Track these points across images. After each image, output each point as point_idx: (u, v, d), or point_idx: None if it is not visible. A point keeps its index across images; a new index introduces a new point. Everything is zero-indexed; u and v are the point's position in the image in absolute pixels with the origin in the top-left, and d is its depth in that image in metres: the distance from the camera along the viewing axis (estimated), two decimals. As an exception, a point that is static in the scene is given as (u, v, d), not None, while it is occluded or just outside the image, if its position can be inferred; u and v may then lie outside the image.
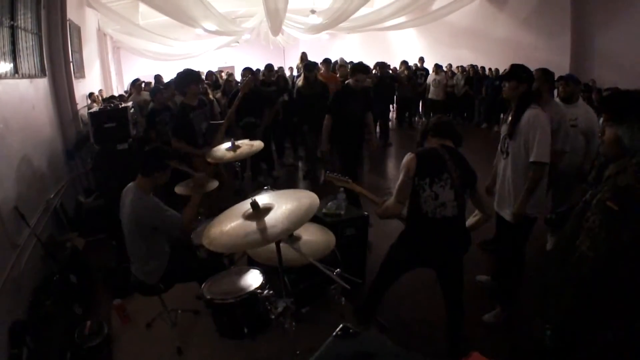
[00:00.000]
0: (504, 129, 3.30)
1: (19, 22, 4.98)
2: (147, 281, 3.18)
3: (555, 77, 4.11)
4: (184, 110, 4.63)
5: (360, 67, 5.29)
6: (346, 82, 6.02)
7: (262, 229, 2.13)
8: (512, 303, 3.45)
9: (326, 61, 8.49)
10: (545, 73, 3.83)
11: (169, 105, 6.34)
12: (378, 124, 10.31)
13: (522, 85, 3.09)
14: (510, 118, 3.19)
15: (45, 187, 5.13)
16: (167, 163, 3.12)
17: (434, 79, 11.89)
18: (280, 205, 2.30)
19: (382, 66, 10.42)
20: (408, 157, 2.73)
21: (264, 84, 7.72)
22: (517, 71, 3.16)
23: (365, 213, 3.95)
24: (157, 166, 3.09)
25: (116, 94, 10.51)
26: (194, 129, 4.66)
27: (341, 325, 1.57)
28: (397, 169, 2.90)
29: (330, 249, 2.82)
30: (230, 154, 3.93)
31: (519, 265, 3.39)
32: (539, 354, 2.96)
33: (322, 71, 8.10)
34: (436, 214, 2.67)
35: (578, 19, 10.18)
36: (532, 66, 3.41)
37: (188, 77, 4.70)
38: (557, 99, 4.16)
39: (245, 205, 2.36)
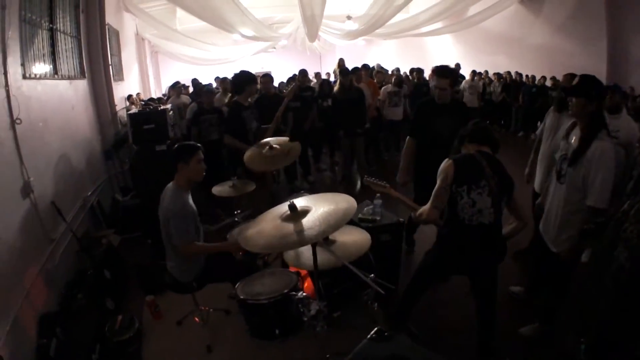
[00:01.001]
0: (563, 147, 3.00)
1: (58, 25, 5.13)
2: (182, 279, 3.21)
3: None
4: (237, 108, 4.72)
5: (439, 70, 4.07)
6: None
7: (299, 230, 2.12)
8: (552, 320, 3.33)
9: (365, 67, 8.49)
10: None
11: (217, 107, 6.48)
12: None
13: (591, 104, 2.72)
14: (574, 138, 2.87)
15: (82, 185, 5.26)
16: (189, 154, 3.13)
17: (470, 85, 11.67)
18: (318, 208, 2.27)
19: (418, 72, 10.31)
20: (445, 163, 2.68)
21: (300, 89, 7.74)
22: (586, 86, 2.77)
23: (401, 219, 3.88)
24: (178, 158, 3.12)
25: (154, 97, 10.71)
26: (245, 127, 4.80)
27: (376, 328, 1.55)
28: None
29: (364, 250, 2.78)
30: (272, 162, 3.93)
31: (565, 286, 3.23)
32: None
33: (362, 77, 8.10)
34: (473, 220, 2.63)
35: (613, 25, 9.93)
36: (569, 72, 3.26)
37: (245, 77, 4.89)
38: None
39: (283, 208, 2.35)
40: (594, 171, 2.68)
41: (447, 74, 3.94)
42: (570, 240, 2.92)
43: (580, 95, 2.74)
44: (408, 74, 11.16)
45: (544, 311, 3.36)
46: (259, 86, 6.68)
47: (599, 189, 2.67)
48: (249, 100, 5.18)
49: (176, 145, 3.27)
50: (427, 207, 2.72)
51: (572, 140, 2.89)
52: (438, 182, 2.67)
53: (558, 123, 3.77)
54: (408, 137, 4.29)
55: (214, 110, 6.50)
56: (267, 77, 6.77)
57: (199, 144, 3.25)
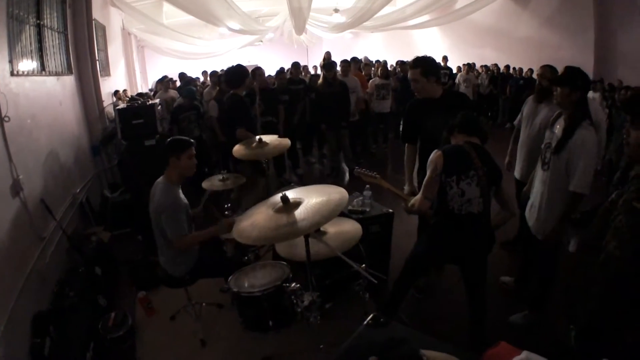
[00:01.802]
0: (547, 136, 3.09)
1: (45, 20, 5.08)
2: (175, 273, 3.21)
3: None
4: (241, 101, 4.74)
5: (410, 61, 3.65)
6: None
7: (292, 222, 2.14)
8: (541, 308, 3.38)
9: (354, 60, 8.50)
10: (553, 70, 3.73)
11: (195, 104, 6.47)
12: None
13: (575, 92, 2.81)
14: (558, 128, 2.95)
15: (71, 182, 5.22)
16: (181, 149, 3.12)
17: (465, 79, 11.75)
18: (310, 199, 2.29)
19: (402, 65, 10.34)
20: (435, 154, 2.70)
21: (292, 82, 7.75)
22: (571, 76, 2.87)
23: (390, 210, 3.91)
24: (170, 152, 3.11)
25: (142, 92, 10.63)
26: (253, 119, 4.74)
27: (372, 315, 1.57)
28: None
29: (356, 241, 2.81)
30: (259, 151, 3.95)
31: (551, 272, 3.29)
32: (562, 356, 2.92)
33: (350, 70, 8.12)
34: (462, 210, 2.67)
35: (601, 17, 10.06)
36: (557, 65, 3.31)
37: (242, 71, 4.90)
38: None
39: (275, 200, 2.37)
40: (576, 158, 2.77)
41: (417, 63, 3.45)
42: (552, 224, 3.00)
43: (565, 85, 2.83)
44: (395, 66, 11.18)
45: (532, 299, 3.41)
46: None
47: (580, 175, 2.76)
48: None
49: (169, 139, 3.26)
50: (418, 197, 2.77)
51: (557, 130, 2.96)
52: (428, 172, 2.71)
53: (535, 112, 3.86)
54: (406, 144, 3.88)
55: (192, 107, 6.50)
56: (262, 70, 6.78)
57: (192, 140, 3.25)
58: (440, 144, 3.07)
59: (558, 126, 2.97)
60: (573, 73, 2.88)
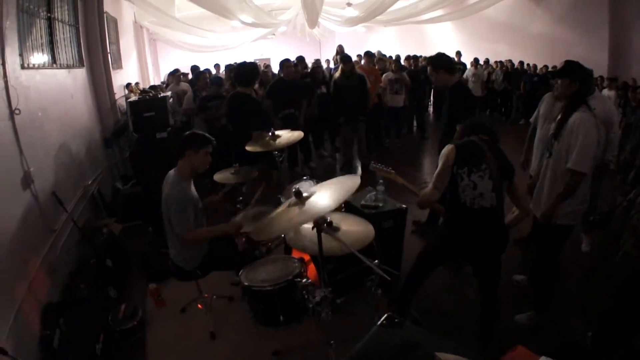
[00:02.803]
0: (553, 128, 3.13)
1: (56, 13, 5.08)
2: (186, 267, 3.20)
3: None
4: (255, 101, 4.69)
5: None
6: None
7: (304, 209, 2.17)
8: (546, 308, 3.34)
9: (368, 54, 8.44)
10: None
11: (222, 94, 6.52)
12: (415, 118, 10.26)
13: (574, 83, 2.93)
14: (559, 117, 3.04)
15: (83, 174, 5.24)
16: (200, 144, 3.11)
17: (473, 74, 11.64)
18: (322, 188, 2.28)
19: (414, 59, 10.37)
20: (448, 147, 2.72)
21: (300, 76, 7.70)
22: (570, 68, 3.00)
23: (404, 206, 3.87)
24: (189, 145, 3.09)
25: (155, 85, 10.65)
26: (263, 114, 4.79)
27: (386, 315, 1.54)
28: (432, 162, 2.85)
29: (369, 240, 2.77)
30: (271, 143, 3.93)
31: (552, 271, 3.26)
32: (574, 356, 2.87)
33: (362, 63, 8.02)
34: (474, 204, 2.64)
35: (615, 15, 9.91)
36: None
37: (254, 71, 4.93)
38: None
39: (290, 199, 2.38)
40: (573, 139, 2.84)
41: (429, 61, 4.37)
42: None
43: (565, 76, 2.96)
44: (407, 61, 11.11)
45: (537, 298, 3.39)
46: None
47: (577, 153, 2.82)
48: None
49: (189, 132, 3.25)
50: (428, 188, 2.77)
51: (557, 119, 3.06)
52: (440, 164, 2.72)
53: (553, 110, 3.81)
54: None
55: (219, 96, 6.51)
56: (290, 62, 6.78)
57: (213, 138, 3.22)
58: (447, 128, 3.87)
59: (560, 116, 3.05)
60: (572, 65, 3.01)
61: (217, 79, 7.28)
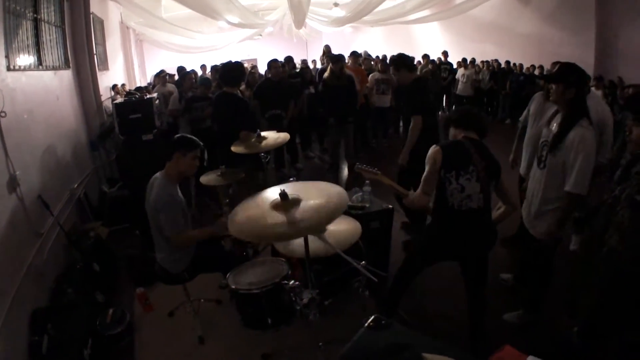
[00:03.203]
0: (544, 134, 3.03)
1: (42, 14, 5.02)
2: (172, 270, 3.19)
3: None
4: (244, 101, 4.67)
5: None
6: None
7: (291, 222, 2.09)
8: (537, 308, 3.36)
9: (354, 54, 8.46)
10: None
11: (207, 95, 6.52)
12: (401, 118, 10.26)
13: (569, 89, 2.75)
14: (555, 125, 2.90)
15: (69, 177, 5.19)
16: (188, 147, 3.10)
17: (462, 74, 11.74)
18: (309, 197, 2.24)
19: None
20: (433, 149, 2.70)
21: (289, 76, 7.71)
22: (564, 73, 2.82)
23: (390, 206, 3.89)
24: (177, 147, 3.09)
25: (141, 86, 10.57)
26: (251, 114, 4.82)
27: (373, 316, 1.54)
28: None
29: (355, 239, 2.79)
30: (257, 145, 3.93)
31: (544, 274, 3.25)
32: (562, 354, 2.90)
33: (349, 64, 8.04)
34: (462, 206, 2.65)
35: (602, 14, 10.00)
36: (557, 61, 3.28)
37: (241, 71, 4.90)
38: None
39: (273, 193, 2.33)
40: (572, 157, 2.70)
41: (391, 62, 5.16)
42: (548, 224, 2.94)
43: (559, 82, 2.78)
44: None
45: (528, 299, 3.39)
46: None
47: (576, 175, 2.69)
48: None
49: (179, 135, 3.24)
50: (417, 192, 2.76)
51: (554, 127, 2.91)
52: (427, 168, 2.70)
53: (543, 109, 3.82)
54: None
55: (206, 97, 6.48)
56: (277, 63, 6.78)
57: (201, 143, 3.22)
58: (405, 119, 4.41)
59: (555, 124, 2.91)
60: (567, 69, 2.84)
61: (205, 80, 7.26)
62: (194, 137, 3.23)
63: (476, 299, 2.92)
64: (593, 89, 4.21)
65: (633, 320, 2.61)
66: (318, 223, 2.12)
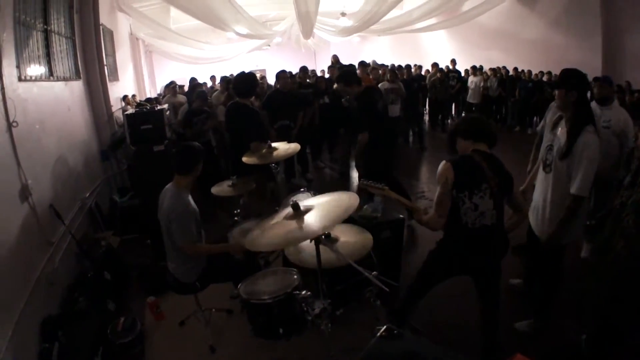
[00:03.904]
0: (549, 138, 3.05)
1: (53, 26, 5.10)
2: (184, 280, 3.20)
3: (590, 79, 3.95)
4: (253, 110, 4.74)
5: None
6: None
7: (302, 225, 2.13)
8: (547, 316, 3.32)
9: (362, 64, 8.49)
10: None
11: (206, 109, 6.57)
12: (410, 127, 10.31)
13: (571, 93, 2.80)
14: (560, 130, 2.92)
15: (80, 187, 5.23)
16: (202, 156, 3.19)
17: (471, 81, 11.78)
18: (320, 204, 2.27)
19: (407, 68, 10.49)
20: (444, 166, 2.60)
21: (300, 86, 7.74)
22: (564, 77, 2.89)
23: (401, 216, 3.88)
24: (198, 159, 3.16)
25: (151, 97, 10.69)
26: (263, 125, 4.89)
27: (385, 326, 1.54)
28: (430, 172, 2.82)
29: (367, 250, 2.77)
30: (268, 155, 3.94)
31: (555, 279, 3.22)
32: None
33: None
34: (476, 224, 2.58)
35: (608, 19, 10.00)
36: (565, 67, 3.28)
37: (254, 81, 4.94)
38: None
39: (286, 209, 2.36)
40: (577, 162, 2.74)
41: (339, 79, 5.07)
42: (551, 228, 2.96)
43: (561, 87, 2.84)
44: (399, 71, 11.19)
45: (537, 305, 3.37)
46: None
47: (581, 178, 2.72)
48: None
49: (192, 149, 3.25)
50: (431, 215, 2.66)
51: (559, 132, 2.94)
52: (439, 188, 2.61)
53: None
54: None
55: (204, 111, 6.53)
56: (285, 73, 6.84)
57: (201, 147, 3.28)
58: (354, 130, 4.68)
59: (560, 129, 2.94)
60: (567, 74, 2.91)
61: (201, 94, 7.25)
62: (194, 144, 3.29)
63: (489, 310, 2.86)
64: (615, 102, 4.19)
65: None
66: (326, 224, 2.15)
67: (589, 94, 3.86)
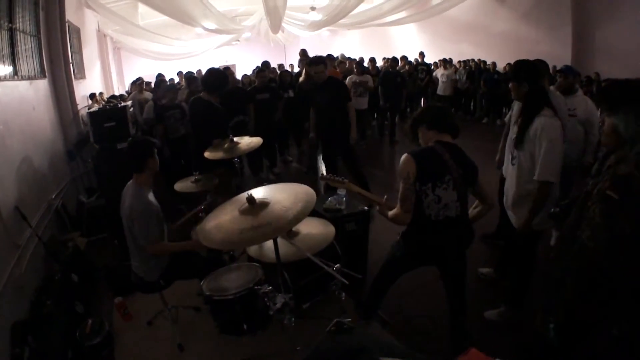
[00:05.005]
0: (513, 131, 3.09)
1: (18, 24, 4.99)
2: (147, 278, 3.18)
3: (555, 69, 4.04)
4: (214, 106, 4.70)
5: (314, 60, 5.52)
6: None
7: (258, 225, 2.10)
8: (518, 304, 3.37)
9: (329, 57, 8.50)
10: (540, 63, 3.74)
11: (178, 103, 6.51)
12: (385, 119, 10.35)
13: (522, 85, 2.89)
14: (518, 121, 2.99)
15: (46, 187, 5.14)
16: (152, 148, 3.14)
17: (442, 74, 11.89)
18: (277, 201, 2.27)
19: (394, 61, 10.43)
20: (405, 159, 2.54)
21: (270, 80, 7.75)
22: (515, 70, 2.99)
23: (366, 208, 3.92)
24: (149, 153, 3.11)
25: (117, 94, 10.51)
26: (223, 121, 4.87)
27: (334, 321, 1.55)
28: (398, 163, 2.81)
29: (329, 241, 2.79)
30: (230, 150, 3.93)
31: (528, 267, 3.27)
32: (542, 350, 2.94)
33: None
34: (439, 215, 2.56)
35: (578, 11, 10.21)
36: (535, 58, 3.35)
37: (223, 79, 4.86)
38: (555, 91, 4.10)
39: (241, 199, 2.35)
40: (537, 147, 2.79)
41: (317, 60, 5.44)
42: (523, 217, 3.02)
43: (513, 80, 2.97)
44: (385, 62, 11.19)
45: (510, 294, 3.42)
46: None
47: (543, 162, 2.78)
48: None
49: (141, 142, 3.23)
50: (397, 212, 2.64)
51: (517, 122, 3.03)
52: (401, 183, 2.57)
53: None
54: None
55: (176, 106, 6.46)
56: (231, 70, 6.79)
57: (150, 139, 3.26)
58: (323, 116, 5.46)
59: (519, 122, 3.00)
60: (517, 67, 3.01)
61: (171, 87, 7.16)
62: (143, 137, 3.26)
63: (456, 299, 2.88)
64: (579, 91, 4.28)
65: (612, 313, 2.65)
66: (286, 224, 2.12)
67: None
